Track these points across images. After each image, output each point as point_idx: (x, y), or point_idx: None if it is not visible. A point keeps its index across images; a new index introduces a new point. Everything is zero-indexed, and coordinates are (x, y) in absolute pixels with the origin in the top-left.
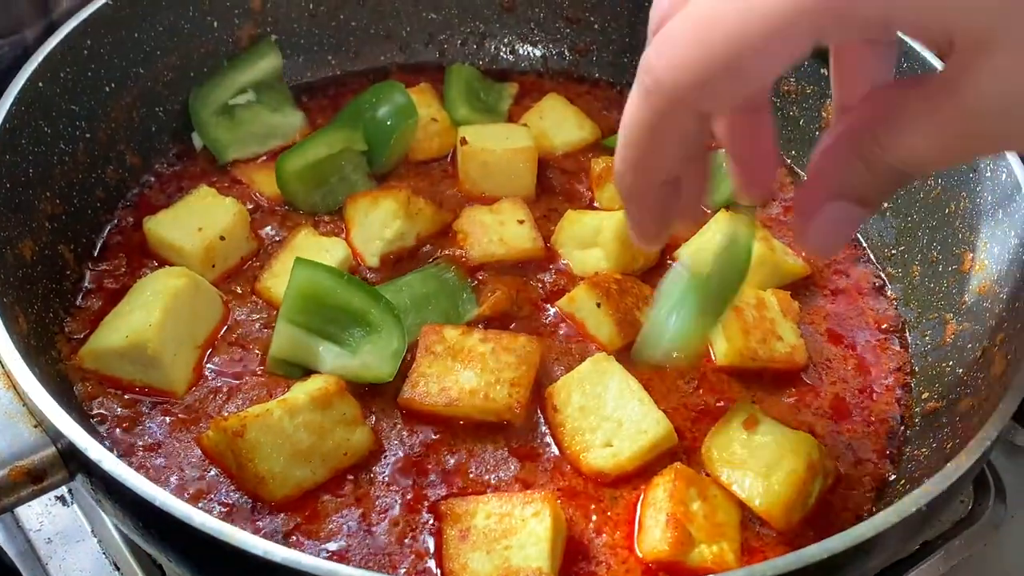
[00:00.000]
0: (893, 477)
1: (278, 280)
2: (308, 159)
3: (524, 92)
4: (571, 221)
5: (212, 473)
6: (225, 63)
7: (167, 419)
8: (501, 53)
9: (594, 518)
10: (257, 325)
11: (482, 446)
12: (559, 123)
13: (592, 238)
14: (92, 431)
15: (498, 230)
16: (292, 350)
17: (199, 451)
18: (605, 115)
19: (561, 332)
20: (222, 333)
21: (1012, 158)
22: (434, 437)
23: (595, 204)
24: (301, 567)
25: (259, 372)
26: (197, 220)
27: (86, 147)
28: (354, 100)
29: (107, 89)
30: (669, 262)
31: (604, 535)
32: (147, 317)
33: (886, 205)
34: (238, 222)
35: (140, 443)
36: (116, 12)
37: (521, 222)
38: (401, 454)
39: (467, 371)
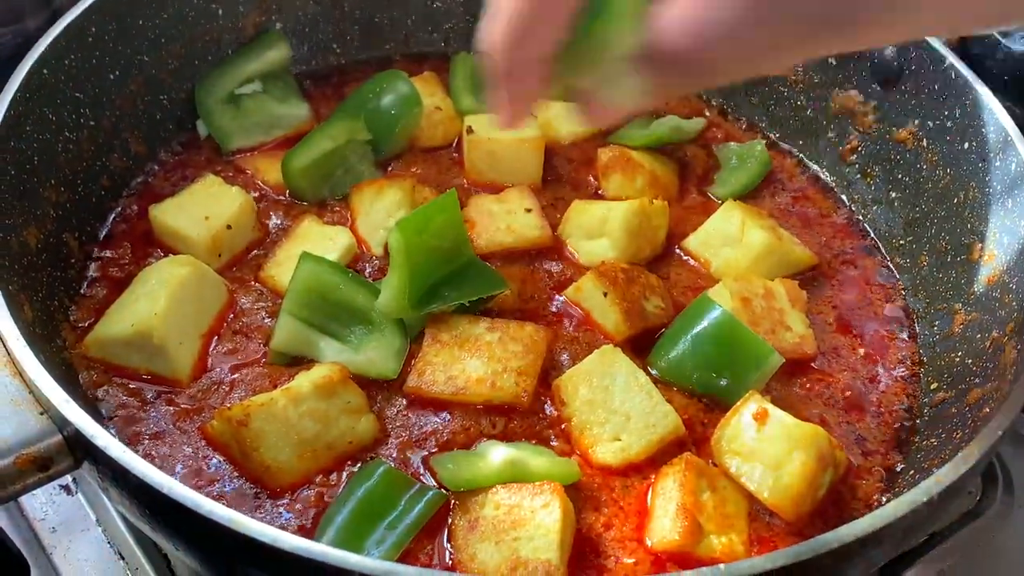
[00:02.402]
0: (902, 467)
1: (282, 269)
2: (313, 155)
3: None
4: (578, 212)
5: (216, 461)
6: (231, 51)
7: (171, 408)
8: None
9: (605, 510)
10: (261, 314)
11: (489, 434)
12: (565, 112)
13: (599, 228)
14: (98, 419)
15: (505, 219)
16: (293, 343)
17: (203, 439)
18: None
19: (568, 321)
20: (227, 321)
21: (1022, 147)
22: (439, 423)
23: (600, 192)
24: (310, 555)
25: (263, 361)
26: (204, 209)
27: (91, 135)
28: (357, 90)
29: (111, 77)
30: (676, 251)
31: (613, 527)
32: (152, 306)
33: (894, 195)
34: (245, 211)
35: (145, 431)
36: None
37: (529, 211)
38: (406, 440)
39: (474, 360)
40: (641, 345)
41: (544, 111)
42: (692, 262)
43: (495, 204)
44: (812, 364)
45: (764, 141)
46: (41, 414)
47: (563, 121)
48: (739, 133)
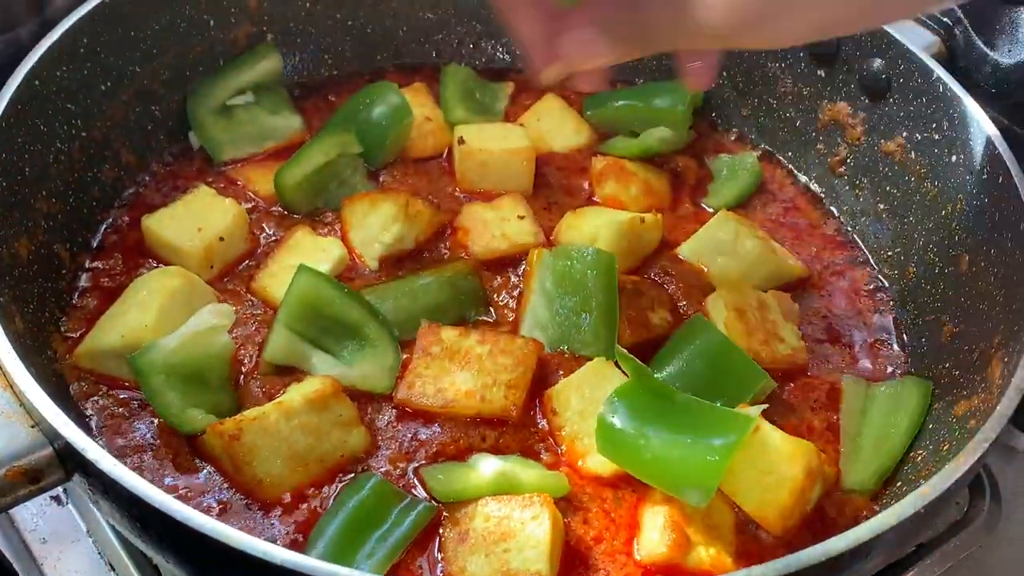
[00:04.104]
0: (890, 479)
1: (275, 280)
2: (305, 170)
3: (520, 91)
4: (569, 225)
5: (206, 472)
6: (223, 62)
7: (161, 419)
8: (498, 53)
9: (595, 523)
10: (253, 324)
11: (479, 446)
12: (557, 126)
13: (591, 239)
14: (88, 431)
15: (500, 226)
16: (286, 355)
17: (193, 450)
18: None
19: None
20: None
21: (1009, 160)
22: (429, 435)
23: (594, 199)
24: (300, 568)
25: (255, 372)
26: (196, 220)
27: (82, 145)
28: (348, 102)
29: (103, 87)
30: (671, 256)
31: (604, 541)
32: (143, 317)
33: (883, 207)
34: (237, 223)
35: (135, 442)
36: (112, 10)
37: (522, 217)
38: (395, 451)
39: (463, 372)
40: (642, 354)
41: (536, 124)
42: (687, 268)
43: (488, 211)
44: (802, 375)
45: (756, 153)
46: (32, 427)
47: (555, 134)
48: (729, 144)
